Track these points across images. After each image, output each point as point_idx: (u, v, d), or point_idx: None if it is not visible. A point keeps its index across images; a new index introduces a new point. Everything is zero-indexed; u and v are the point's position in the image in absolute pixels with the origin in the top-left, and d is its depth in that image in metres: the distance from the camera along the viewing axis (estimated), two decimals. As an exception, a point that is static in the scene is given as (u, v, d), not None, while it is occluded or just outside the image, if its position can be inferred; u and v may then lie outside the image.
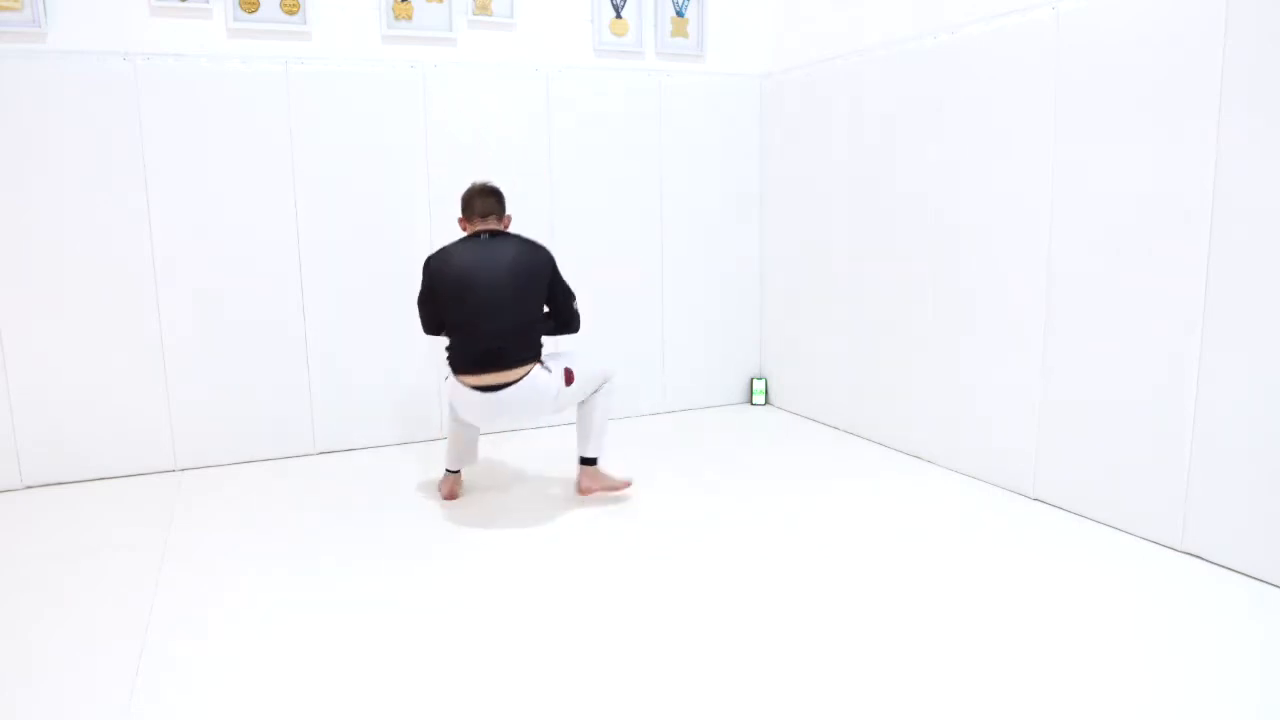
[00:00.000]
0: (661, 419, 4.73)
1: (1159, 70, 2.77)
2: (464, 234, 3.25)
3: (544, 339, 3.24)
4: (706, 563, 2.84)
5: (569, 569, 2.82)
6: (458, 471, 3.51)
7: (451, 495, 3.46)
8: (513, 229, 3.28)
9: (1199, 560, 2.76)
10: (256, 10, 3.83)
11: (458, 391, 3.19)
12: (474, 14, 4.19)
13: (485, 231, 3.18)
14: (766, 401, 5.02)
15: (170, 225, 3.78)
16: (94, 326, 3.72)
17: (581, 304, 3.36)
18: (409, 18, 4.07)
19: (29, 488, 3.70)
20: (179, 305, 3.84)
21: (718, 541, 3.01)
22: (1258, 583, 2.59)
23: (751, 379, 5.05)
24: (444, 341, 3.27)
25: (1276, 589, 2.55)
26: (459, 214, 3.27)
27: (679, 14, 4.58)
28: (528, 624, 2.44)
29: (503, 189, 3.27)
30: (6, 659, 2.30)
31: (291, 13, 3.89)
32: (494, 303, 3.07)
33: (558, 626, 2.43)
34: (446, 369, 3.26)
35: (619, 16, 4.47)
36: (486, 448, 4.01)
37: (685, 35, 4.61)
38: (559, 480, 3.67)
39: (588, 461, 3.41)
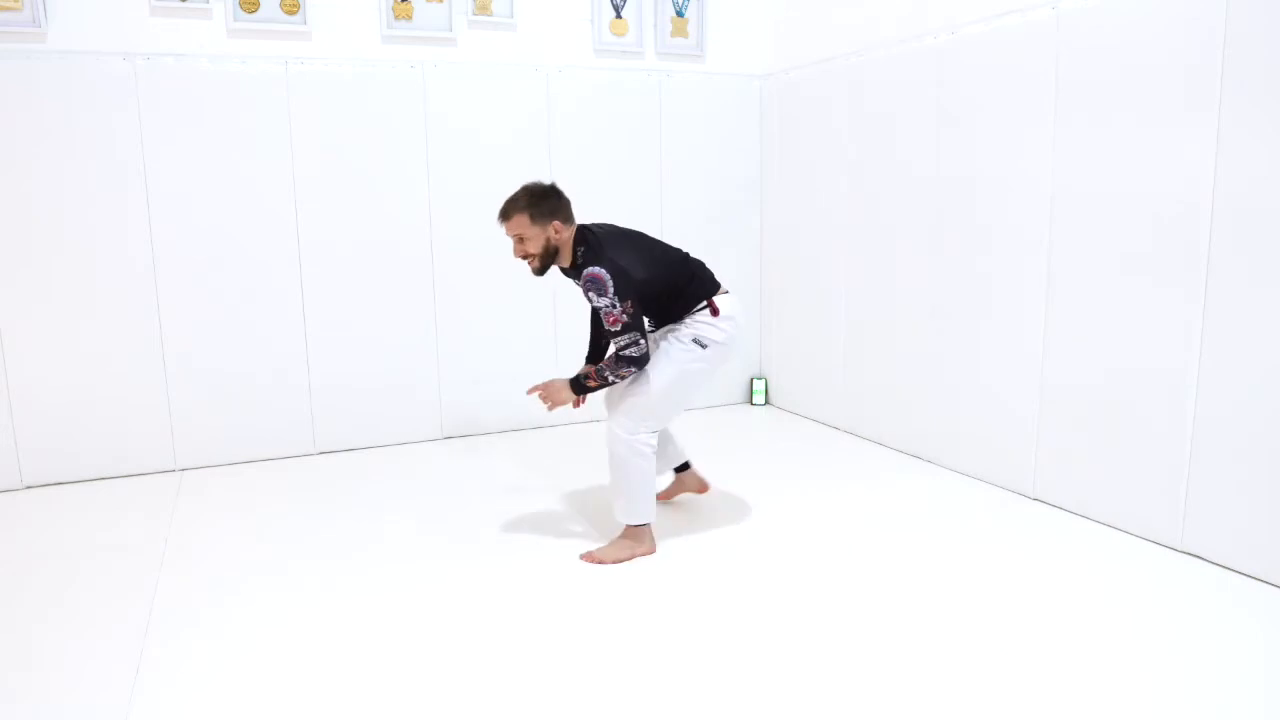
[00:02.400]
0: (661, 419, 4.72)
1: (1159, 70, 2.77)
2: (560, 233, 2.83)
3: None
4: (706, 563, 2.84)
5: (568, 569, 2.82)
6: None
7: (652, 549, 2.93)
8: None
9: (1199, 560, 2.76)
10: (256, 10, 3.83)
11: (723, 317, 3.09)
12: (474, 14, 4.19)
13: (582, 226, 2.90)
14: (766, 401, 5.02)
15: (170, 225, 3.78)
16: (94, 326, 3.72)
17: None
18: (409, 18, 4.07)
19: (29, 488, 3.70)
20: (179, 305, 3.84)
21: (717, 542, 3.01)
22: (1258, 583, 2.59)
23: (751, 379, 5.05)
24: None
25: (1276, 589, 2.55)
26: (550, 219, 2.80)
27: (679, 14, 4.58)
28: (524, 623, 2.44)
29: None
30: (7, 659, 2.30)
31: (291, 13, 3.88)
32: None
33: (557, 627, 2.43)
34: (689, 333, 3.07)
35: (619, 16, 4.46)
36: (490, 453, 3.99)
37: (685, 35, 4.61)
38: (562, 482, 3.68)
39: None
